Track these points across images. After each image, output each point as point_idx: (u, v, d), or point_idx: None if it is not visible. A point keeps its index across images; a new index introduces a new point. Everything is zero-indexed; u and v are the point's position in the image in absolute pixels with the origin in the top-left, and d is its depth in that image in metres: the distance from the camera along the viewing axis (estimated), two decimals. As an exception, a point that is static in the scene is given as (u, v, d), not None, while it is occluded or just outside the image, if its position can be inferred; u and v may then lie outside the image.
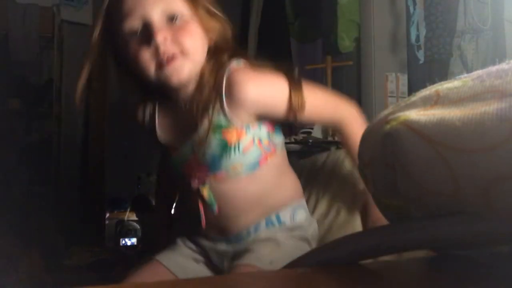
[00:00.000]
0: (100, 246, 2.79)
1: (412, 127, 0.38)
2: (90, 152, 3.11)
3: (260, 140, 0.92)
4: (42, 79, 3.21)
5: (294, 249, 0.92)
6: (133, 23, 0.84)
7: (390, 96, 2.28)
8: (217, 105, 0.87)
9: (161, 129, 0.97)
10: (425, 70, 2.24)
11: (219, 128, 0.88)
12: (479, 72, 0.40)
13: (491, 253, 0.43)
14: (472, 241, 0.40)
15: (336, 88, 2.60)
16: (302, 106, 0.88)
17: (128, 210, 3.99)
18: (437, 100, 0.40)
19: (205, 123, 0.88)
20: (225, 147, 0.89)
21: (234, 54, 0.92)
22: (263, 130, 0.93)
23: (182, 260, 1.02)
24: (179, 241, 1.04)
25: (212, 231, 0.96)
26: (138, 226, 4.54)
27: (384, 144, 0.41)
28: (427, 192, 0.39)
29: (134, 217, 4.70)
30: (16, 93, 3.03)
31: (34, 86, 3.14)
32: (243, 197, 0.93)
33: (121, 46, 0.87)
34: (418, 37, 2.08)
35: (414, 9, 2.06)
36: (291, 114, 0.89)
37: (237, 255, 0.93)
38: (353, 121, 0.96)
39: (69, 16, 3.05)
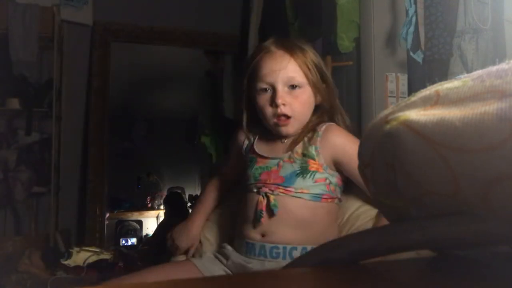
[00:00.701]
0: (100, 246, 2.79)
1: (412, 127, 0.38)
2: (90, 152, 3.10)
3: (330, 183, 1.15)
4: (42, 79, 3.20)
5: None
6: (264, 86, 1.16)
7: (390, 96, 2.28)
8: (312, 140, 1.15)
9: (259, 144, 1.24)
10: (425, 70, 2.24)
11: (306, 156, 1.14)
12: (479, 72, 0.40)
13: (491, 253, 0.43)
14: (472, 241, 0.40)
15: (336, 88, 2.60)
16: None
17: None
18: (437, 100, 0.40)
19: (298, 148, 1.15)
20: (305, 170, 1.13)
21: (335, 116, 1.22)
22: (335, 179, 1.16)
23: (214, 268, 1.16)
24: (211, 255, 1.21)
25: (255, 234, 1.12)
26: (138, 226, 4.54)
27: (384, 144, 0.41)
28: (427, 192, 0.39)
29: (133, 217, 4.69)
30: (16, 93, 3.03)
31: (34, 86, 3.13)
32: (297, 215, 1.11)
33: (253, 94, 1.19)
34: (413, 39, 2.07)
35: (408, 12, 2.06)
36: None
37: None
38: None
39: (69, 16, 3.05)
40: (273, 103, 1.14)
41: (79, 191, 3.13)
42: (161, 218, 4.29)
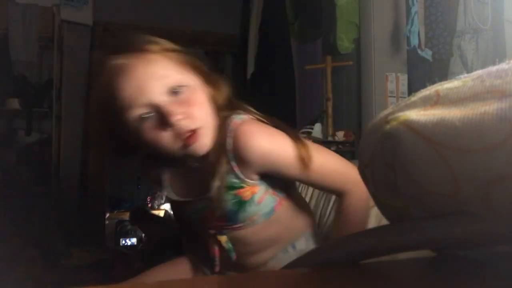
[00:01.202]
0: (100, 246, 2.79)
1: (412, 127, 0.38)
2: (90, 152, 3.10)
3: (274, 189, 0.94)
4: (42, 79, 3.21)
5: None
6: (139, 111, 0.82)
7: (390, 96, 2.28)
8: (228, 167, 0.88)
9: (173, 187, 0.98)
10: (425, 70, 2.24)
11: (232, 189, 0.89)
12: (479, 72, 0.40)
13: (491, 253, 0.43)
14: (472, 241, 0.40)
15: (336, 88, 2.60)
16: (308, 159, 0.87)
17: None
18: (437, 100, 0.40)
19: (217, 184, 0.88)
20: (240, 203, 0.91)
21: (233, 108, 0.92)
22: (275, 181, 0.94)
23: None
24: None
25: (228, 271, 0.99)
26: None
27: (384, 144, 0.41)
28: (427, 192, 0.39)
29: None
30: (16, 93, 3.03)
31: (34, 86, 3.13)
32: (260, 240, 0.95)
33: (129, 132, 0.85)
34: (418, 38, 2.07)
35: (411, 10, 2.06)
36: (298, 169, 0.88)
37: None
38: (359, 192, 0.92)
39: (69, 16, 3.05)
40: (166, 125, 0.82)
41: (79, 191, 3.13)
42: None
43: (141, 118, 0.82)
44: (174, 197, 0.97)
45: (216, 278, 0.76)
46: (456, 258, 0.45)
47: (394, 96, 2.27)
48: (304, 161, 0.87)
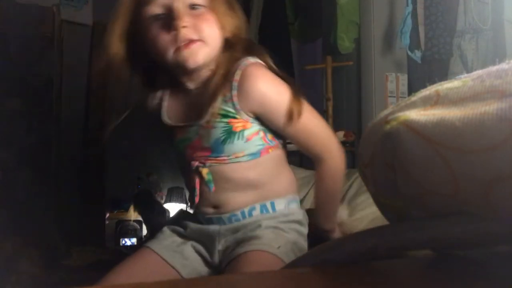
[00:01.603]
0: (100, 246, 2.79)
1: (412, 127, 0.38)
2: (90, 152, 3.10)
3: (265, 133, 0.97)
4: (42, 79, 3.21)
5: (296, 239, 0.97)
6: (156, 9, 0.89)
7: (390, 96, 2.28)
8: (228, 94, 0.92)
9: (169, 112, 1.02)
10: (425, 70, 2.24)
11: (226, 116, 0.93)
12: (479, 72, 0.40)
13: (491, 253, 0.43)
14: (472, 241, 0.40)
15: (336, 88, 2.60)
16: (298, 115, 0.92)
17: (131, 208, 3.95)
18: (437, 100, 0.40)
19: (213, 108, 0.92)
20: (229, 133, 0.93)
21: (251, 51, 0.96)
22: (267, 126, 0.97)
23: (171, 245, 1.03)
24: (167, 229, 1.07)
25: (207, 208, 0.99)
26: (138, 226, 4.54)
27: (384, 144, 0.41)
28: (427, 192, 0.39)
29: (135, 217, 4.69)
30: (16, 93, 3.03)
31: (34, 86, 3.13)
32: (240, 180, 0.97)
33: (141, 30, 0.91)
34: (411, 38, 2.07)
35: (406, 13, 2.06)
36: (286, 121, 0.93)
37: (240, 243, 0.94)
38: (335, 162, 0.98)
39: (69, 16, 3.05)
40: (170, 28, 0.88)
41: (79, 191, 3.13)
42: (161, 218, 4.29)
43: (154, 17, 0.89)
44: (168, 121, 1.01)
45: (215, 278, 0.76)
46: (456, 258, 0.45)
47: (394, 96, 2.27)
48: (293, 114, 0.92)
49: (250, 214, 0.98)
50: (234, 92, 0.91)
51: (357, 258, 0.44)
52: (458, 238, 0.38)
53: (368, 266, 0.44)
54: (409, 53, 2.09)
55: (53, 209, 2.95)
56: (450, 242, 0.41)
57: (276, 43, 3.03)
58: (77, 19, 3.08)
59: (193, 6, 0.90)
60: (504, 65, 0.38)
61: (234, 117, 0.93)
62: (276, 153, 1.00)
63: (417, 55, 2.10)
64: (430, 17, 2.18)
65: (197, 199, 0.98)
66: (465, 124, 0.35)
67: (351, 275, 0.41)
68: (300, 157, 1.99)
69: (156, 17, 0.89)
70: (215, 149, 0.94)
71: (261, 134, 0.97)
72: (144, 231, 4.53)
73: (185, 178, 1.05)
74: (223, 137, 0.93)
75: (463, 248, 0.44)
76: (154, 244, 1.03)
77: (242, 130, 0.94)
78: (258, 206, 0.98)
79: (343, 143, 2.43)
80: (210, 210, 0.99)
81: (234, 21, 0.97)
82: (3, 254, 2.57)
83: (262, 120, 0.95)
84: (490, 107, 0.34)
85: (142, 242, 4.15)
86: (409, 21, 2.05)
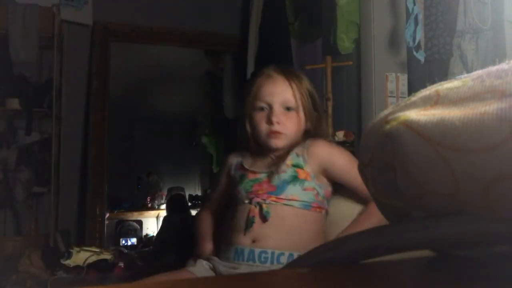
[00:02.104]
0: (100, 246, 2.79)
1: (412, 127, 0.38)
2: (90, 152, 3.10)
3: (317, 193, 1.25)
4: (42, 79, 3.20)
5: None
6: (262, 104, 1.32)
7: (390, 96, 2.27)
8: (300, 152, 1.28)
9: (247, 161, 1.36)
10: (425, 70, 2.24)
11: (295, 166, 1.26)
12: (479, 72, 0.40)
13: (491, 253, 0.43)
14: (472, 241, 0.40)
15: (336, 88, 2.60)
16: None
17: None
18: (437, 100, 0.40)
19: (288, 161, 1.26)
20: (294, 178, 1.24)
21: (319, 135, 1.35)
22: (323, 191, 1.27)
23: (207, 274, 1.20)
24: (201, 261, 1.26)
25: (246, 240, 1.19)
26: (138, 226, 4.54)
27: (384, 144, 0.41)
28: (427, 192, 0.39)
29: (133, 217, 4.69)
30: (16, 93, 3.02)
31: (34, 86, 3.13)
32: (287, 222, 1.19)
33: (249, 111, 1.34)
34: (415, 38, 2.07)
35: (412, 10, 2.06)
36: (348, 169, 1.24)
37: None
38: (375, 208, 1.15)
39: (69, 16, 3.05)
40: (269, 120, 1.28)
41: (79, 191, 3.13)
42: (161, 218, 4.29)
43: (259, 108, 1.32)
44: (246, 166, 1.34)
45: (215, 278, 0.76)
46: (456, 258, 0.45)
47: (394, 96, 2.27)
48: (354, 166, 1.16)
49: (278, 259, 1.14)
50: (305, 150, 1.28)
51: (357, 258, 0.44)
52: (458, 238, 0.38)
53: (368, 266, 0.44)
54: (415, 53, 2.09)
55: (53, 209, 2.95)
56: (450, 242, 0.41)
57: (276, 43, 3.03)
58: (77, 19, 3.08)
59: (287, 108, 1.30)
60: (504, 65, 0.38)
61: (301, 167, 1.25)
62: (321, 216, 1.26)
63: (421, 55, 2.10)
64: (430, 17, 2.18)
65: (255, 226, 1.20)
66: (465, 124, 0.35)
67: (351, 275, 0.41)
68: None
69: (261, 108, 1.31)
70: (279, 188, 1.23)
71: (315, 191, 1.25)
72: (144, 231, 4.53)
73: (237, 213, 1.26)
74: (289, 179, 1.23)
75: (463, 248, 0.44)
76: (193, 268, 1.24)
77: (303, 180, 1.24)
78: (287, 254, 1.15)
79: (343, 143, 2.43)
80: (247, 242, 1.19)
81: (315, 118, 1.34)
82: (3, 254, 2.57)
83: (330, 176, 1.28)
84: (490, 107, 0.34)
85: (143, 241, 4.15)
86: (412, 21, 2.05)
